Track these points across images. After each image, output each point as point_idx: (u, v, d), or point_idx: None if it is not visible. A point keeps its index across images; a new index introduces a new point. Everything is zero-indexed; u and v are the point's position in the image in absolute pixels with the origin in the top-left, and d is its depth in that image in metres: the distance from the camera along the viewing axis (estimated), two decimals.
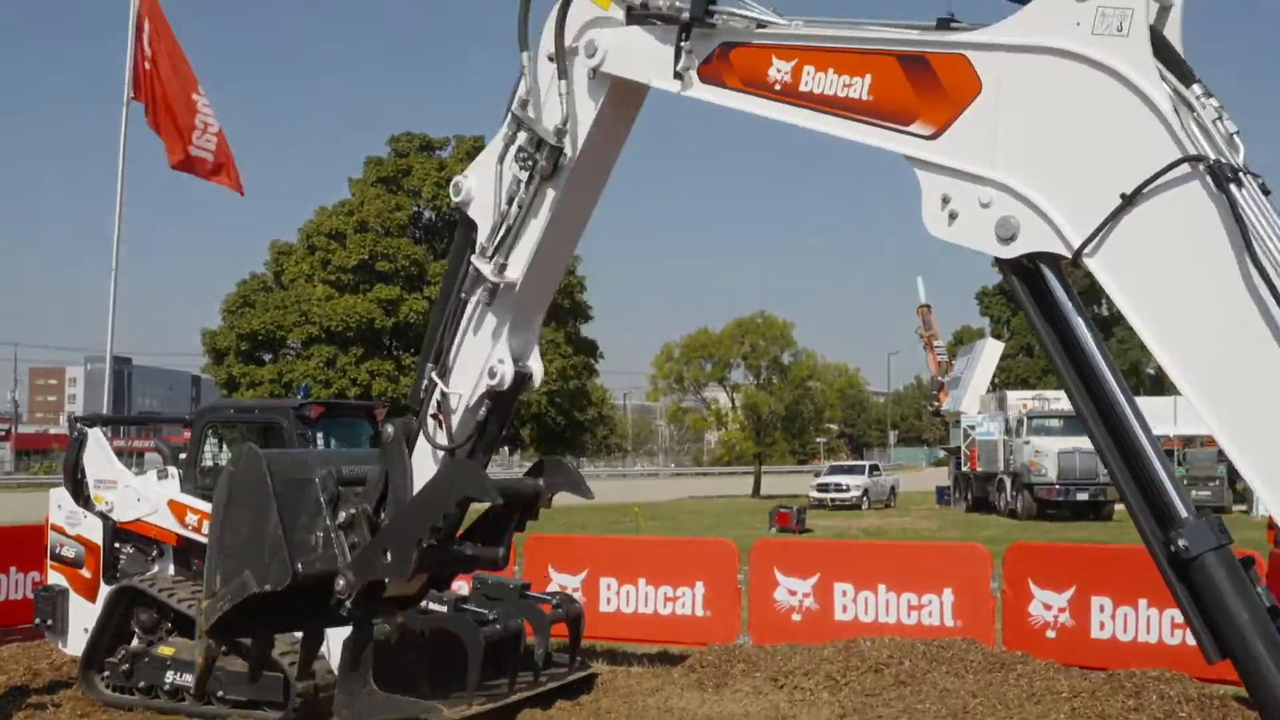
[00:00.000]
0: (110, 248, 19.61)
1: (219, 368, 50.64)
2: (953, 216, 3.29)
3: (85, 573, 11.38)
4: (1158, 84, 2.96)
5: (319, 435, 11.98)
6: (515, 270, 4.53)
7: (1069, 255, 3.09)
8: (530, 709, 10.64)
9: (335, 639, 10.52)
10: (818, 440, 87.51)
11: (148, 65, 19.20)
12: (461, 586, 11.66)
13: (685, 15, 3.87)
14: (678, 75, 3.92)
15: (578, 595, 12.55)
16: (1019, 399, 47.04)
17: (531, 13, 4.48)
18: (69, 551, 11.51)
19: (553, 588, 12.95)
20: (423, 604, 10.58)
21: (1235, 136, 3.05)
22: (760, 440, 63.50)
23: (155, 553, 11.57)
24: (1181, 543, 2.86)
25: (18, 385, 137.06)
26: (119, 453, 12.22)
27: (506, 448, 58.88)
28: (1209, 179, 2.91)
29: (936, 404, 58.63)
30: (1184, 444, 46.00)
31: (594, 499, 6.65)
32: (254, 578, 5.06)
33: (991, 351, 55.36)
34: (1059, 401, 46.50)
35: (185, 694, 10.69)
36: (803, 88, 3.62)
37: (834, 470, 54.56)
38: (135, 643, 11.09)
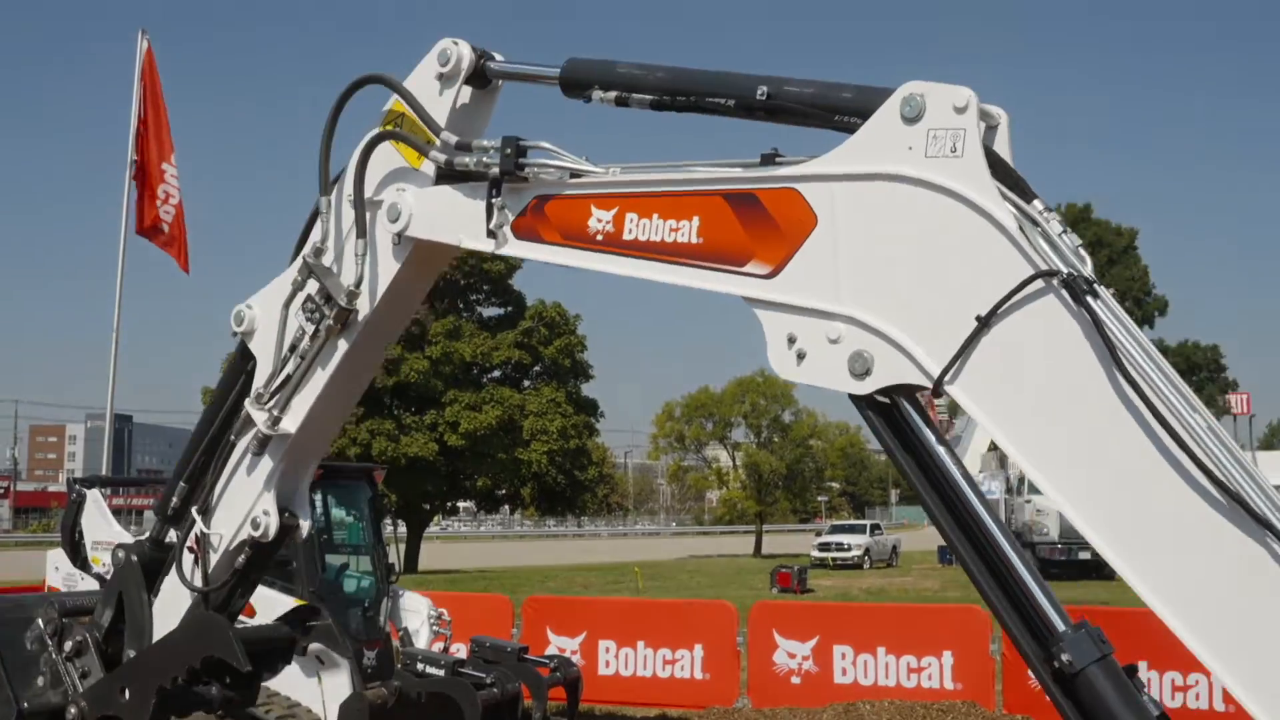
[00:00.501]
0: (112, 307, 19.70)
1: None
2: (801, 356, 3.15)
3: None
4: (1000, 202, 2.88)
5: (317, 497, 11.97)
6: (291, 423, 4.11)
7: (929, 385, 2.94)
8: None
9: (332, 700, 10.51)
10: (819, 499, 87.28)
11: (142, 128, 19.44)
12: (459, 649, 11.61)
13: (495, 171, 3.64)
14: (491, 234, 3.68)
15: (576, 658, 12.50)
16: None
17: (335, 151, 4.13)
18: None
19: (551, 650, 12.90)
20: (419, 667, 10.60)
21: (1080, 249, 3.00)
22: (761, 499, 63.41)
23: None
24: (1065, 657, 2.79)
25: (17, 442, 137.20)
26: (118, 511, 12.22)
27: (507, 506, 58.67)
28: (1065, 293, 2.84)
29: None
30: None
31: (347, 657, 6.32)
32: None
33: None
34: None
35: None
36: (627, 236, 3.44)
37: (835, 529, 54.40)
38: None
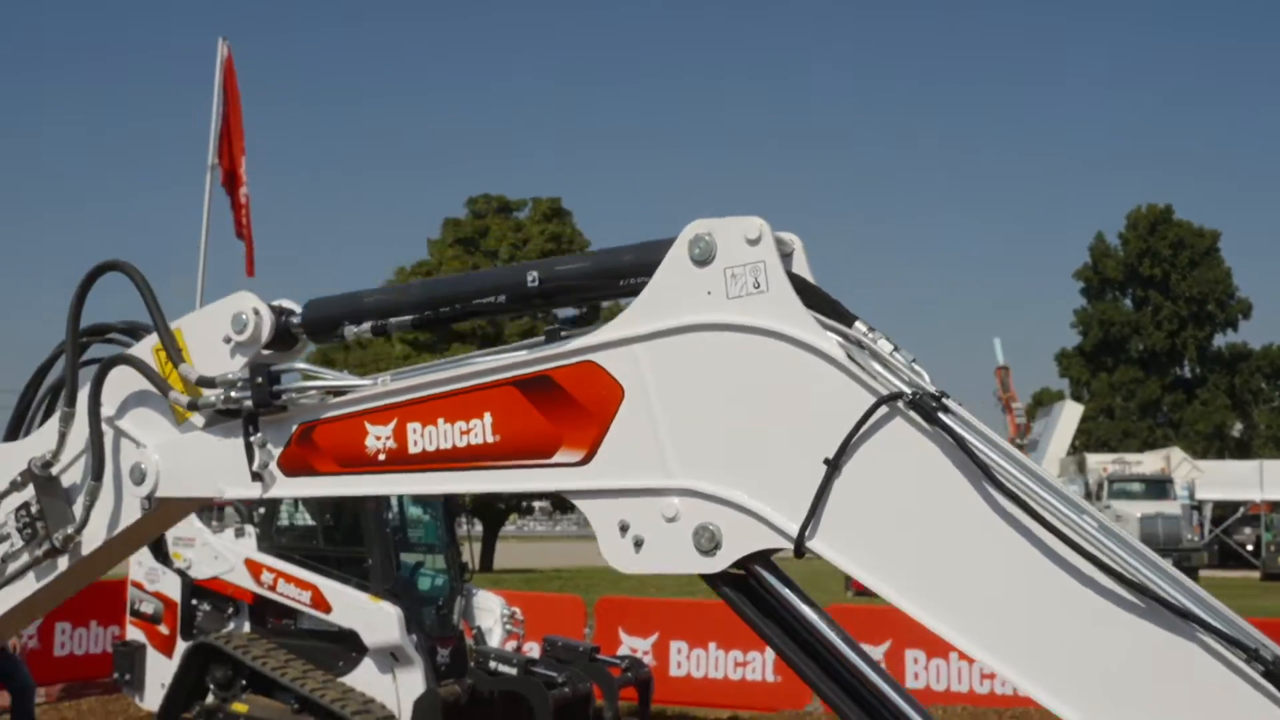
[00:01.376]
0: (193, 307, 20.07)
1: None
2: (638, 544, 2.77)
3: (163, 629, 11.57)
4: (820, 332, 2.61)
5: (393, 496, 12.11)
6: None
7: (790, 545, 2.61)
8: None
9: (406, 696, 10.65)
10: None
11: (224, 133, 19.85)
12: (532, 648, 11.70)
13: (248, 404, 3.15)
14: (256, 476, 3.19)
15: (648, 658, 12.54)
16: (1099, 462, 46.35)
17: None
18: (148, 607, 11.70)
19: (623, 650, 12.95)
20: (492, 665, 10.70)
21: (915, 363, 2.71)
22: None
23: (231, 610, 11.73)
24: None
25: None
26: (198, 510, 12.41)
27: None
28: (914, 414, 2.48)
29: None
30: (1270, 509, 45.07)
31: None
32: None
33: (1071, 414, 54.70)
34: (1140, 465, 45.84)
35: None
36: (413, 449, 3.02)
37: None
38: (210, 699, 11.22)
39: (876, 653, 13.27)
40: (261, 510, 11.69)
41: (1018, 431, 58.05)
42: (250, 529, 11.73)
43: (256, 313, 3.18)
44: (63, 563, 3.48)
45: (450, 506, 12.32)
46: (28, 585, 3.52)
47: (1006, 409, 60.44)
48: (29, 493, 3.48)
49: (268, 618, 11.65)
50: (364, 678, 10.95)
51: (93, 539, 3.42)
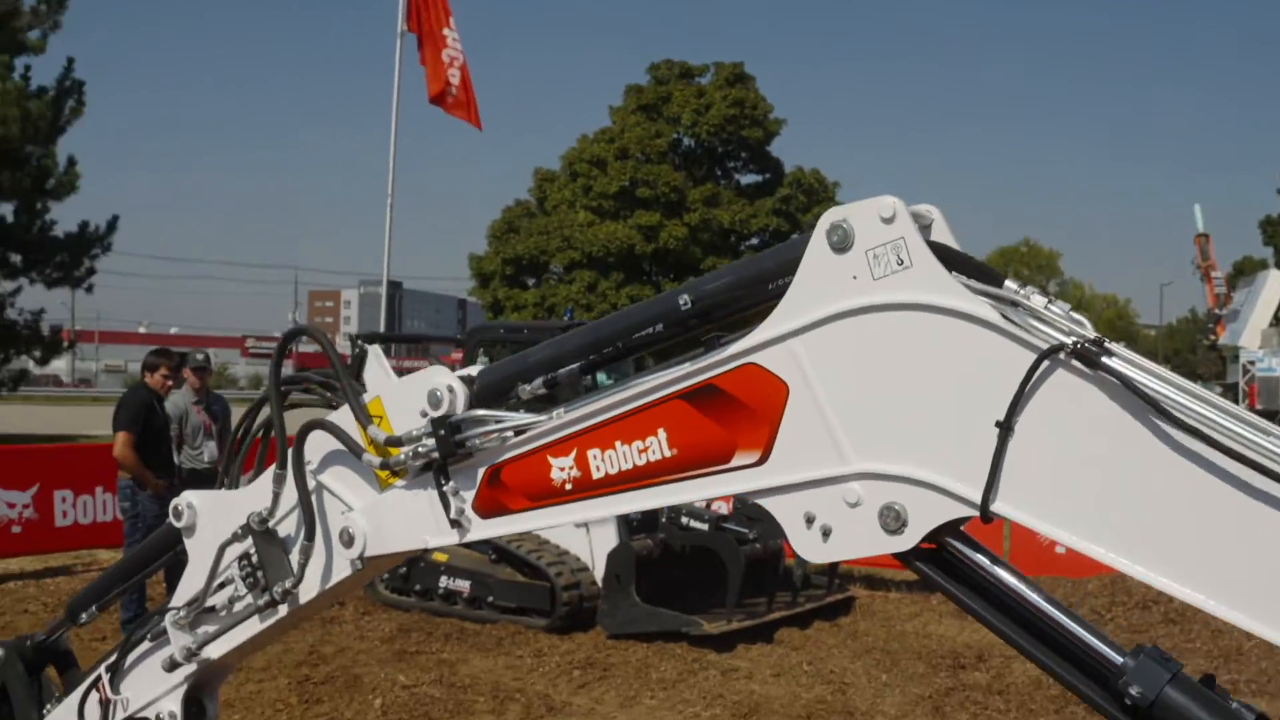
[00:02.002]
0: (385, 177, 20.48)
1: (484, 291, 52.34)
2: (826, 533, 2.78)
3: None
4: (971, 297, 2.62)
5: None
6: (214, 653, 3.84)
7: (976, 513, 2.62)
8: (788, 627, 10.76)
9: (600, 550, 10.89)
10: None
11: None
12: (721, 506, 11.81)
13: (435, 456, 3.28)
14: (454, 523, 3.30)
15: None
16: None
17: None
18: None
19: None
20: (684, 521, 10.84)
21: (1073, 312, 2.59)
22: None
23: None
24: (1134, 690, 2.48)
25: (298, 307, 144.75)
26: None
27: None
28: (1078, 363, 2.45)
29: (1213, 338, 55.87)
30: None
31: None
32: None
33: (1274, 283, 52.33)
34: None
35: (458, 599, 11.20)
36: (596, 475, 3.11)
37: None
38: None
39: None
40: None
41: (1216, 302, 55.91)
42: None
43: (450, 390, 3.27)
44: (282, 610, 3.65)
45: (640, 369, 12.42)
46: (252, 626, 3.71)
47: (1205, 278, 58.16)
48: (249, 543, 3.66)
49: None
50: (558, 531, 11.24)
51: (307, 592, 3.59)
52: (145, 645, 3.92)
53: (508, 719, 8.02)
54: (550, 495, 3.17)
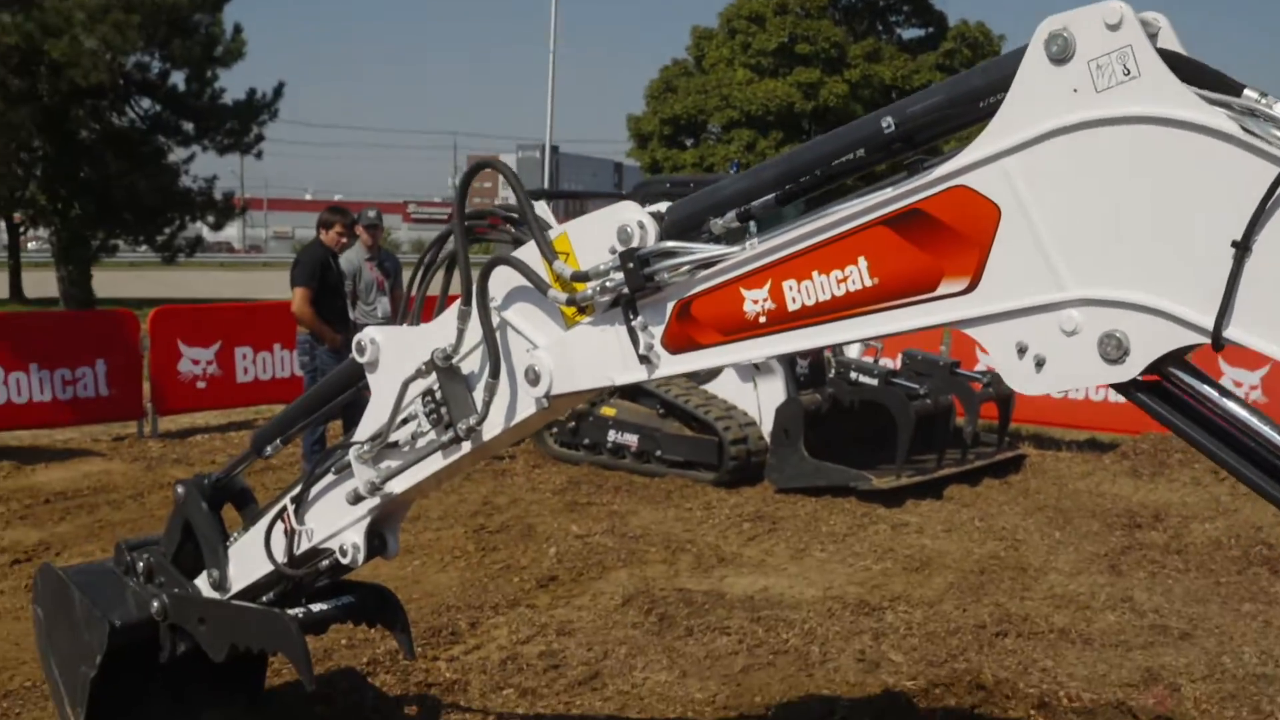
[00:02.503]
0: (545, 39, 20.38)
1: (643, 152, 52.16)
2: (1039, 363, 2.65)
3: None
4: (1205, 107, 2.35)
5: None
6: (397, 488, 3.85)
7: (1205, 339, 2.43)
8: (957, 484, 10.65)
9: (768, 404, 10.87)
10: None
11: None
12: (887, 363, 11.66)
13: (624, 291, 3.21)
14: (643, 359, 3.25)
15: None
16: None
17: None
18: None
19: (980, 367, 12.72)
20: (853, 376, 10.73)
21: None
22: None
23: None
24: None
25: (457, 171, 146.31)
26: None
27: None
28: None
29: None
30: None
31: (415, 659, 5.93)
32: (87, 665, 4.49)
33: None
34: None
35: (625, 452, 11.32)
36: (792, 307, 2.99)
37: None
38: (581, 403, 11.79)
39: None
40: None
41: None
42: None
43: (641, 225, 3.21)
44: (465, 446, 3.69)
45: None
46: (435, 462, 3.77)
47: None
48: (433, 379, 3.68)
49: None
50: (726, 386, 11.23)
51: (491, 429, 3.62)
52: (329, 479, 4.01)
53: (680, 568, 8.11)
54: (743, 329, 3.10)
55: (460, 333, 3.61)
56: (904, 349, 11.72)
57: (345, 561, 3.95)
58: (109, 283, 35.50)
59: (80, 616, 4.51)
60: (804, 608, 7.22)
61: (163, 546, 4.52)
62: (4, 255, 37.77)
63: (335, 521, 4.00)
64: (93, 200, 30.82)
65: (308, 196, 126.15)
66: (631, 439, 11.27)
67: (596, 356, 3.36)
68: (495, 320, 3.54)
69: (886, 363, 11.57)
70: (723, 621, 6.85)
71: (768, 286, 3.04)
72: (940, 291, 2.76)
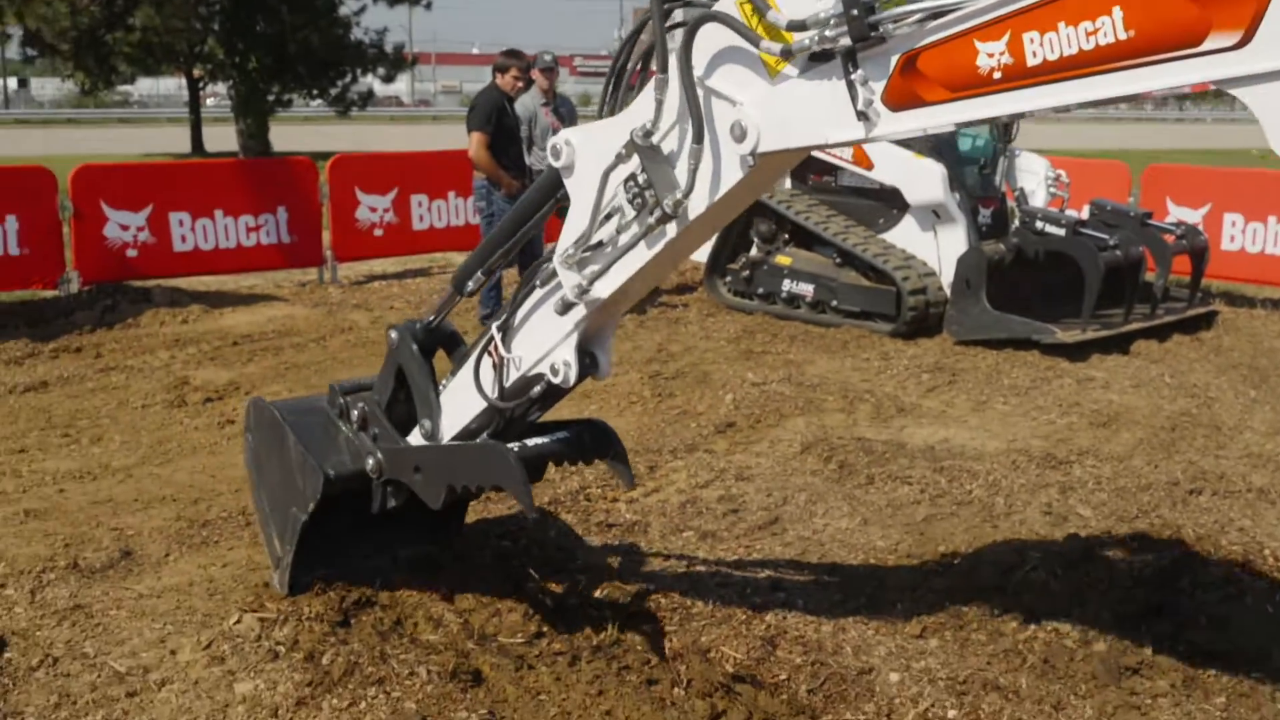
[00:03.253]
0: None
1: None
2: None
3: None
4: None
5: None
6: (603, 290, 3.70)
7: None
8: (1145, 340, 10.26)
9: (948, 254, 10.57)
10: None
11: None
12: (1072, 214, 11.21)
13: (845, 41, 2.96)
14: (861, 115, 3.02)
15: (1201, 229, 11.72)
16: None
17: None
18: None
19: (1171, 219, 12.19)
20: (1039, 225, 10.35)
21: None
22: None
23: None
24: None
25: (623, 24, 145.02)
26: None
27: None
28: None
29: None
30: None
31: (634, 487, 6.01)
32: (299, 507, 4.56)
33: None
34: None
35: (800, 301, 11.16)
36: (1032, 61, 2.73)
37: None
38: (754, 252, 11.63)
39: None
40: None
41: None
42: None
43: None
44: (671, 229, 3.56)
45: None
46: (640, 255, 3.66)
47: None
48: (634, 163, 3.55)
49: (808, 174, 11.77)
50: (905, 235, 10.95)
51: (698, 203, 3.48)
52: (534, 299, 3.98)
53: (858, 417, 7.99)
54: (974, 85, 2.92)
55: (659, 105, 3.49)
56: (1092, 198, 11.25)
57: (557, 381, 3.90)
58: (285, 136, 36.21)
59: (295, 460, 4.57)
60: (987, 459, 7.06)
61: (376, 395, 4.53)
62: (185, 111, 38.73)
63: (544, 342, 3.96)
64: (269, 54, 31.33)
65: (475, 50, 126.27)
66: (807, 288, 11.10)
67: (808, 113, 3.22)
68: (697, 89, 3.41)
69: (1073, 214, 11.13)
70: (904, 471, 6.74)
71: (1005, 39, 2.84)
72: (1206, 46, 2.53)
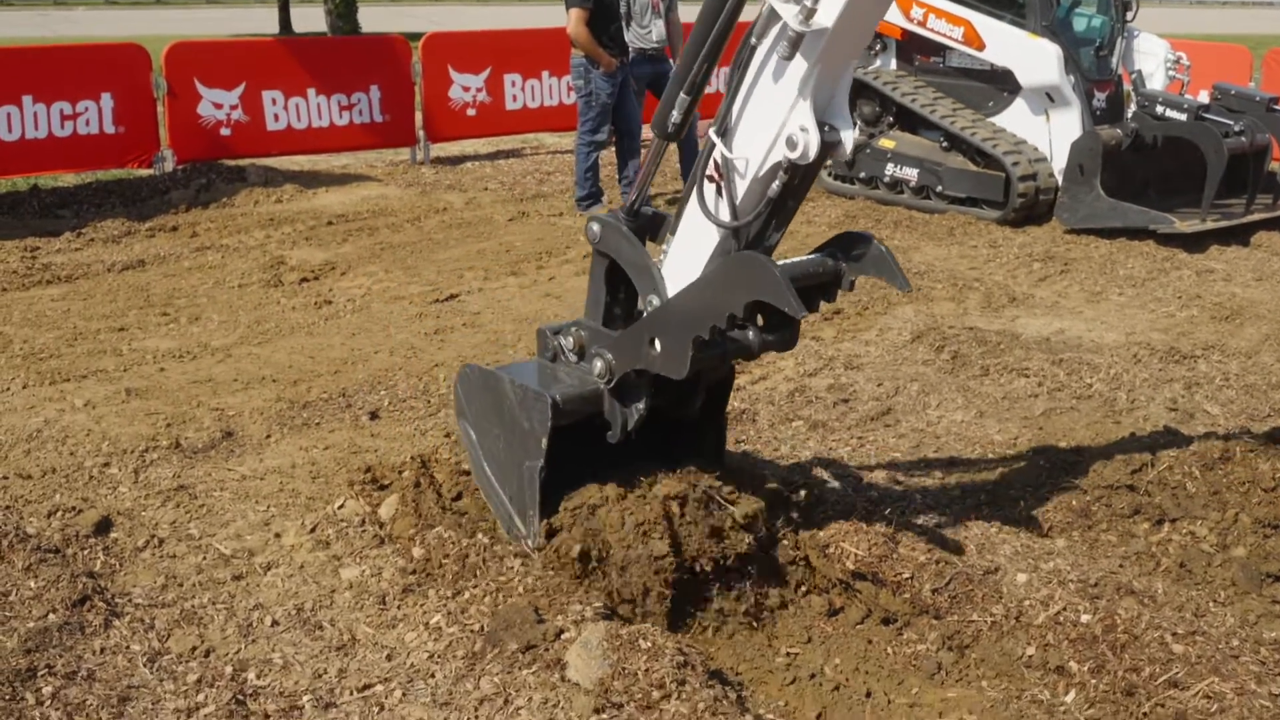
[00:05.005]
0: None
1: None
2: None
3: None
4: None
5: None
6: (827, 14, 3.34)
7: None
8: (1268, 231, 9.83)
9: (1060, 138, 10.15)
10: None
11: None
12: (1193, 98, 10.70)
13: None
14: None
15: None
16: None
17: None
18: None
19: None
20: (1159, 109, 9.88)
21: None
22: None
23: (879, 46, 11.52)
24: None
25: None
26: None
27: None
28: None
29: None
30: None
31: (910, 290, 5.46)
32: (530, 456, 4.03)
33: None
34: None
35: (904, 186, 10.82)
36: None
37: None
38: (857, 134, 11.26)
39: None
40: None
41: None
42: None
43: None
44: None
45: None
46: None
47: None
48: None
49: (915, 55, 11.34)
50: (1015, 118, 10.53)
51: None
52: (746, 81, 3.62)
53: (968, 306, 7.72)
54: None
55: None
56: (1214, 82, 10.72)
57: (795, 155, 3.48)
58: (373, 18, 35.89)
59: (515, 404, 4.08)
60: (1106, 352, 6.78)
61: (587, 314, 4.16)
62: None
63: (771, 120, 3.57)
64: None
65: None
66: (911, 173, 10.74)
67: None
68: None
69: (1194, 99, 10.62)
70: (1020, 363, 6.48)
71: None
72: None
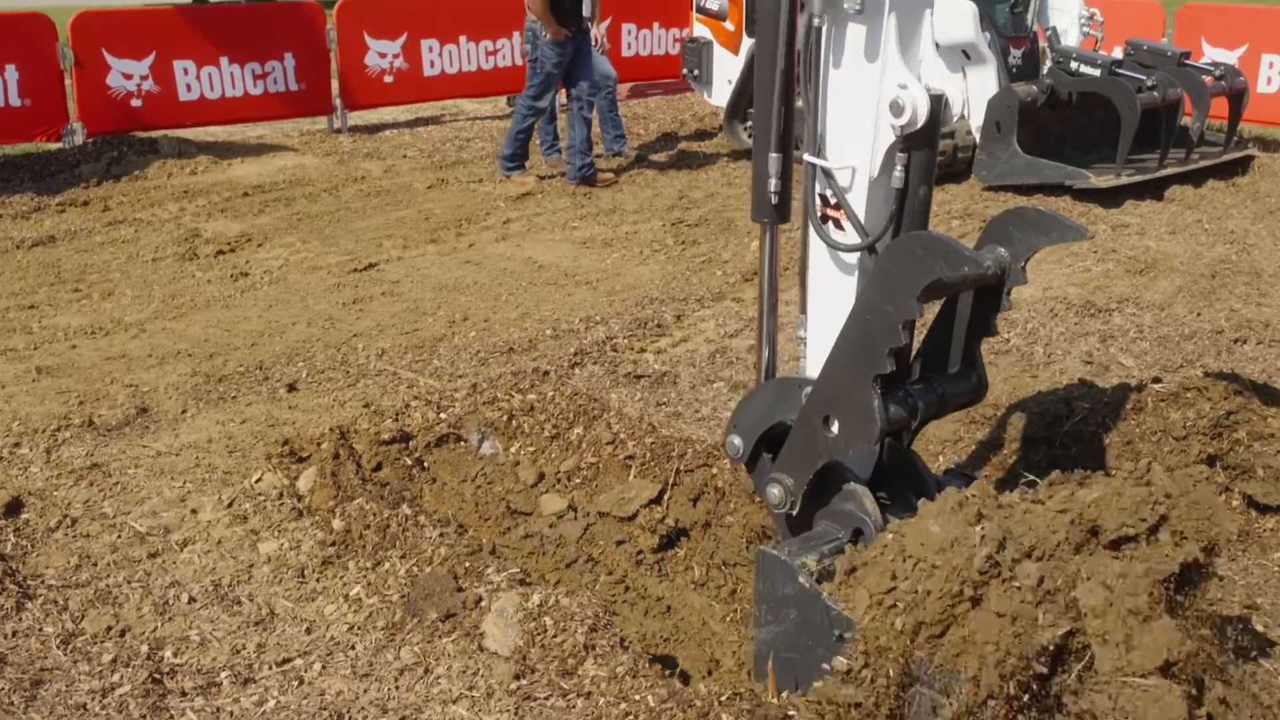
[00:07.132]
0: None
1: None
2: None
3: (728, 25, 11.53)
4: None
5: None
6: None
7: None
8: (1180, 185, 9.96)
9: (978, 96, 10.19)
10: None
11: None
12: (1106, 53, 10.80)
13: None
14: None
15: (1239, 70, 11.29)
16: None
17: None
18: (713, 4, 11.61)
19: (1206, 60, 11.75)
20: (1073, 66, 9.95)
21: None
22: None
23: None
24: None
25: None
26: None
27: None
28: None
29: None
30: None
31: (1090, 237, 5.23)
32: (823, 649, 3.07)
33: None
34: None
35: None
36: None
37: None
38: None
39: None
40: None
41: None
42: None
43: None
44: None
45: None
46: None
47: None
48: None
49: None
50: (930, 77, 10.55)
51: None
52: (822, 68, 3.25)
53: None
54: None
55: None
56: (1127, 38, 10.83)
57: (904, 121, 3.19)
58: None
59: (795, 595, 3.19)
60: (1024, 307, 6.85)
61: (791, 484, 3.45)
62: None
63: (864, 100, 3.24)
64: None
65: None
66: None
67: None
68: None
69: (1107, 55, 10.71)
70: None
71: None
72: None
